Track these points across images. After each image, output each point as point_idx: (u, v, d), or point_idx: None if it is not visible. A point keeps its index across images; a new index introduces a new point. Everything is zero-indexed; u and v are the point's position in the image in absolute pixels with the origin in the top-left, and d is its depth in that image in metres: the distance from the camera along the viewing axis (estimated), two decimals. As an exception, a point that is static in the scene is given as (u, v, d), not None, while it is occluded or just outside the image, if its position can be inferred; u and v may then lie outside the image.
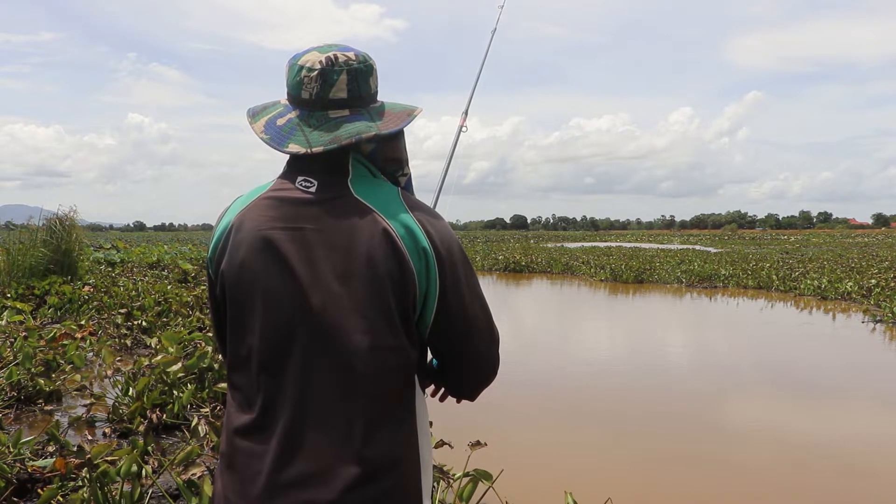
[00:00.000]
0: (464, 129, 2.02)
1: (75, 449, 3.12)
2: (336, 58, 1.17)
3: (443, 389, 1.35)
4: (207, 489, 2.71)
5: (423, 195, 1.44)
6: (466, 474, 2.93)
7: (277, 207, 1.15)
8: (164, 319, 7.77)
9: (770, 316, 11.34)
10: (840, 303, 12.80)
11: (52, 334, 5.89)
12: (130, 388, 4.60)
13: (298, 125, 1.18)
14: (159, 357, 4.68)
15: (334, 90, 1.16)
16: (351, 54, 1.18)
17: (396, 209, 1.14)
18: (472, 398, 1.32)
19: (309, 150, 1.14)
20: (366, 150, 1.22)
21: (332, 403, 1.09)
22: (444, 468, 3.22)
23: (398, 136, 1.26)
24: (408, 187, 1.31)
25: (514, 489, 3.20)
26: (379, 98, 1.26)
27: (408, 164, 1.30)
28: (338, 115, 1.17)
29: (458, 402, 1.38)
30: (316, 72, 1.15)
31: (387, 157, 1.25)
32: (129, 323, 7.49)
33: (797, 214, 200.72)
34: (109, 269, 13.99)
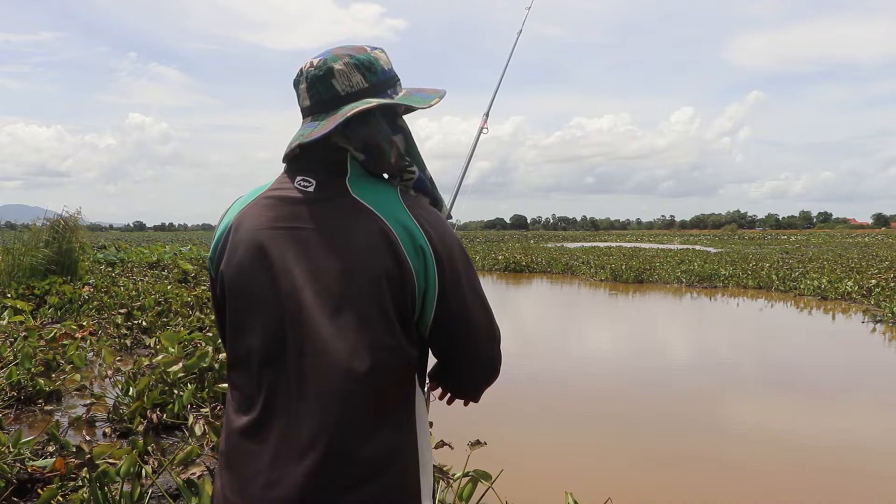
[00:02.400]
0: (485, 130, 2.01)
1: (75, 449, 3.12)
2: (324, 62, 1.18)
3: (449, 391, 1.35)
4: (207, 489, 2.71)
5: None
6: (466, 474, 2.93)
7: (275, 207, 1.16)
8: (164, 319, 7.77)
9: (770, 316, 11.34)
10: (840, 303, 12.80)
11: (52, 334, 5.89)
12: (130, 388, 4.61)
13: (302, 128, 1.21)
14: (160, 357, 4.68)
15: (327, 92, 1.18)
16: (342, 53, 1.19)
17: (394, 208, 1.14)
18: (475, 398, 1.32)
19: (302, 141, 1.16)
20: (359, 158, 1.20)
21: (331, 403, 1.09)
22: (444, 468, 3.22)
23: (398, 141, 1.21)
24: (422, 188, 1.27)
25: (514, 489, 3.20)
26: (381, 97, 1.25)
27: (412, 165, 1.26)
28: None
29: (466, 404, 1.38)
30: (307, 80, 1.19)
31: (369, 141, 1.18)
32: (129, 323, 7.49)
33: (797, 214, 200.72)
34: (109, 269, 13.99)
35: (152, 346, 6.09)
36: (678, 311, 12.44)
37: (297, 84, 1.22)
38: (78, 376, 5.08)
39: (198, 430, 3.73)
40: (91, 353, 5.99)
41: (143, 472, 3.02)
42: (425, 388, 1.28)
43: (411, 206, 1.16)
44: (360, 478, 1.07)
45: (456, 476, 3.07)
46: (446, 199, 1.70)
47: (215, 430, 3.42)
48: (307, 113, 1.21)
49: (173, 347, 5.17)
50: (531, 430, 5.05)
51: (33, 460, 3.28)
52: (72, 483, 3.02)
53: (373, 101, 1.16)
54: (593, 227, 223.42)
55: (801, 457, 4.51)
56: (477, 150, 1.93)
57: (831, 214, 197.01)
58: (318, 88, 1.19)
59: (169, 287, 10.30)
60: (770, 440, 4.82)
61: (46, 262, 10.24)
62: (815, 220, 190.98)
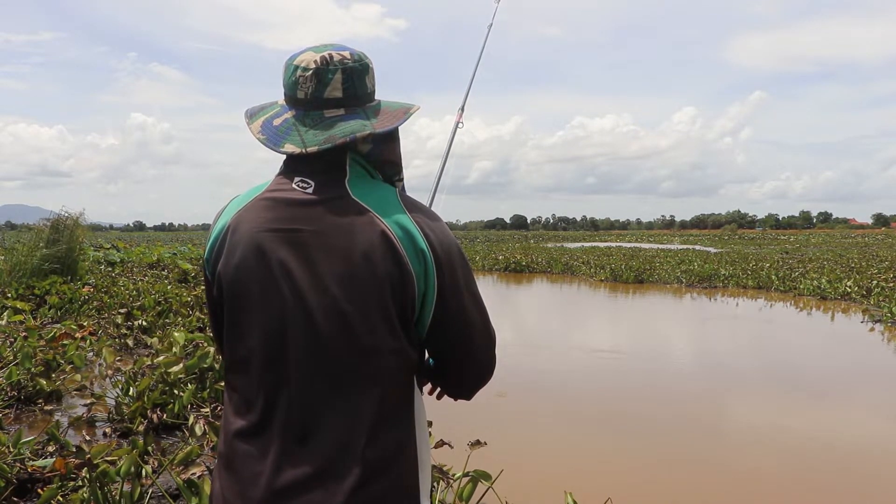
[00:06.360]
0: (460, 125, 2.00)
1: (75, 449, 3.12)
2: (331, 57, 1.16)
3: (440, 388, 1.35)
4: (207, 489, 2.71)
5: (423, 195, 1.43)
6: (466, 474, 2.93)
7: (274, 208, 1.15)
8: (165, 319, 7.77)
9: (770, 316, 11.34)
10: (840, 303, 12.80)
11: (52, 334, 5.89)
12: (131, 388, 4.61)
13: (294, 125, 1.17)
14: (161, 358, 4.68)
15: (329, 89, 1.16)
16: (346, 53, 1.18)
17: (394, 211, 1.14)
18: (468, 397, 1.32)
19: (304, 150, 1.13)
20: (363, 150, 1.21)
21: (332, 406, 1.09)
22: (444, 468, 3.22)
23: (394, 138, 1.25)
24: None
25: (514, 489, 3.20)
26: (378, 97, 1.25)
27: (402, 169, 1.29)
28: (333, 114, 1.17)
29: (455, 400, 1.38)
30: (311, 71, 1.15)
31: (384, 158, 1.24)
32: (129, 323, 7.49)
33: (797, 214, 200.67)
34: (109, 269, 13.99)
35: (158, 342, 6.09)
36: (678, 312, 12.44)
37: (323, 73, 1.15)
38: (78, 376, 5.08)
39: (198, 430, 3.74)
40: (91, 353, 5.99)
41: (143, 472, 3.02)
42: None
43: (411, 209, 1.16)
44: (365, 478, 1.08)
45: (456, 476, 3.07)
46: (425, 197, 1.70)
47: (215, 430, 3.42)
48: (332, 104, 1.17)
49: (178, 347, 5.15)
50: (531, 430, 5.05)
51: (33, 460, 3.28)
52: (72, 483, 3.02)
53: (410, 112, 1.21)
54: (593, 227, 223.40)
55: (800, 457, 4.51)
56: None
57: (831, 214, 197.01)
58: (355, 82, 1.18)
59: (169, 287, 10.30)
60: (769, 440, 4.83)
61: (48, 261, 10.25)
62: (815, 220, 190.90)
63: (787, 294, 14.30)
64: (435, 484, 3.02)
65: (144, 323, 7.44)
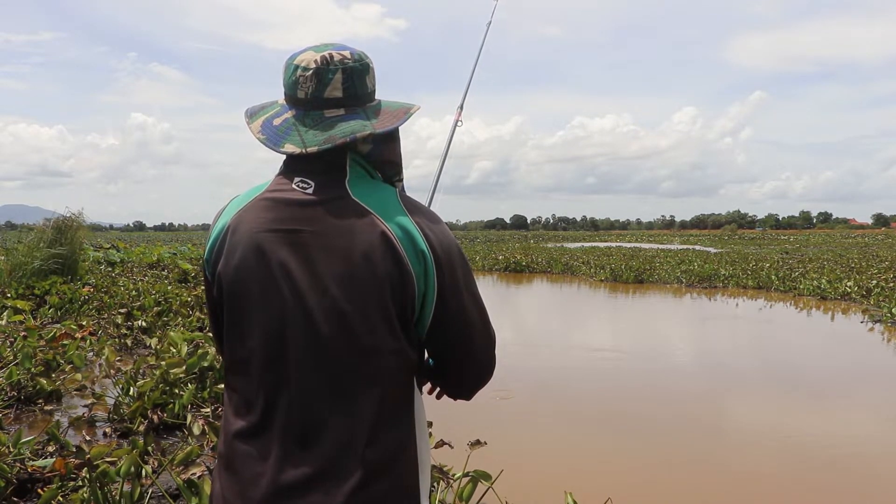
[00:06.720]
0: (459, 123, 1.99)
1: (75, 449, 3.12)
2: (331, 57, 1.16)
3: (439, 388, 1.35)
4: (207, 489, 2.71)
5: (422, 195, 1.43)
6: (466, 474, 2.93)
7: (274, 209, 1.14)
8: (165, 319, 7.78)
9: (769, 316, 11.34)
10: (839, 303, 12.80)
11: (52, 334, 5.88)
12: (131, 388, 4.61)
13: (294, 125, 1.16)
14: (164, 362, 4.67)
15: (329, 89, 1.15)
16: (346, 53, 1.17)
17: (395, 212, 1.14)
18: (468, 397, 1.32)
19: (304, 150, 1.13)
20: (363, 150, 1.21)
21: (333, 406, 1.09)
22: (444, 468, 3.22)
23: (394, 138, 1.24)
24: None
25: (514, 489, 3.20)
26: (378, 97, 1.25)
27: (402, 169, 1.28)
28: (333, 114, 1.16)
29: (455, 400, 1.38)
30: (311, 71, 1.15)
31: (384, 158, 1.23)
32: (129, 323, 7.50)
33: (797, 214, 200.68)
34: (109, 269, 14.00)
35: (158, 342, 6.09)
36: (678, 311, 12.44)
37: (323, 73, 1.14)
38: (78, 376, 5.08)
39: (197, 430, 3.74)
40: (91, 353, 5.99)
41: (143, 472, 3.02)
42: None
43: (411, 210, 1.16)
44: (365, 478, 1.08)
45: (456, 476, 3.07)
46: (424, 196, 1.70)
47: (215, 430, 3.42)
48: (333, 104, 1.16)
49: (180, 344, 5.15)
50: (531, 430, 5.05)
51: (33, 460, 3.28)
52: (72, 483, 3.02)
53: (410, 112, 1.20)
54: (593, 227, 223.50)
55: (801, 457, 4.51)
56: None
57: (831, 214, 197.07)
58: (355, 82, 1.17)
59: (169, 287, 10.30)
60: (769, 440, 4.82)
61: (50, 261, 10.25)
62: (815, 220, 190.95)
63: (786, 294, 14.30)
64: (435, 484, 3.02)
65: (144, 323, 7.44)
